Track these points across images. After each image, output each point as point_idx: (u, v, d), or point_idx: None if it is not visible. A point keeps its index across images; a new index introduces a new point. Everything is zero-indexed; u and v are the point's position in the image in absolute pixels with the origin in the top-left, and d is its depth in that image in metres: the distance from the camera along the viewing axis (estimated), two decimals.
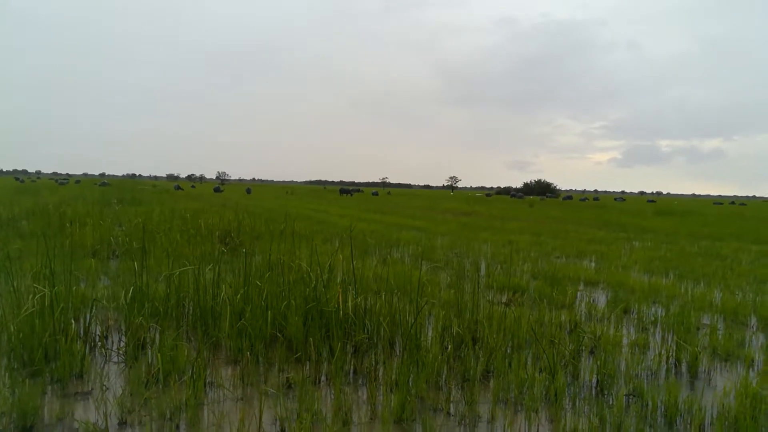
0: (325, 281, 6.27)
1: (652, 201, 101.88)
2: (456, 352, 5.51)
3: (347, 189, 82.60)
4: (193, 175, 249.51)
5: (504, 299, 8.02)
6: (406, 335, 5.50)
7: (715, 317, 7.62)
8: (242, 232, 13.55)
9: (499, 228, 21.91)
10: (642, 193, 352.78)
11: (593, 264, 12.48)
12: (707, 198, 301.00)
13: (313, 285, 6.07)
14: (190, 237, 11.99)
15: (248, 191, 72.38)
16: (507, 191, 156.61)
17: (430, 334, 6.01)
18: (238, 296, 5.99)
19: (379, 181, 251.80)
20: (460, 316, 6.15)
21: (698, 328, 6.99)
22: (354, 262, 6.80)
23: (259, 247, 11.52)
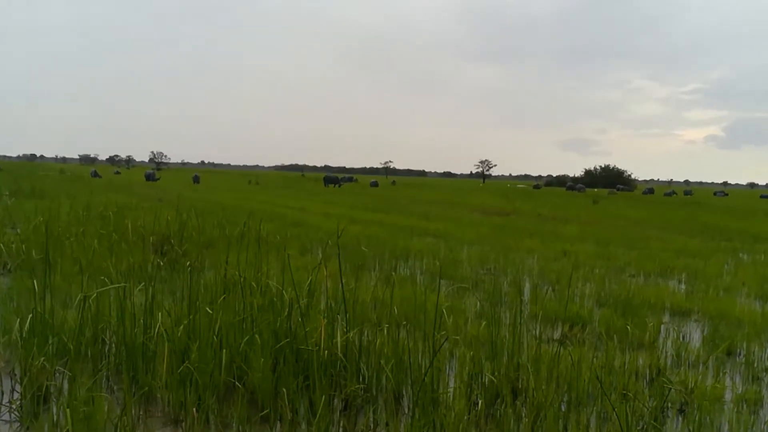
0: (304, 308, 6.27)
1: (766, 197, 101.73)
2: (489, 410, 5.49)
3: (335, 177, 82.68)
4: (117, 156, 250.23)
5: (557, 335, 8.00)
6: (417, 385, 5.49)
7: None
8: (186, 238, 13.54)
9: (550, 233, 21.89)
10: (753, 185, 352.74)
11: (683, 286, 12.47)
12: None
13: (286, 313, 6.07)
14: (112, 244, 11.99)
15: (195, 179, 72.52)
16: (562, 181, 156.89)
17: (452, 383, 5.99)
18: (181, 329, 5.98)
19: (380, 166, 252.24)
20: (495, 359, 6.14)
21: None
22: (344, 282, 6.79)
23: (210, 260, 11.53)
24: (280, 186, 71.91)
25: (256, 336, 5.82)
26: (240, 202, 33.49)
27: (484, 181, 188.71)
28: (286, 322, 5.98)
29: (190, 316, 6.07)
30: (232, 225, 16.23)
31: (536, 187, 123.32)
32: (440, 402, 5.36)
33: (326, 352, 5.75)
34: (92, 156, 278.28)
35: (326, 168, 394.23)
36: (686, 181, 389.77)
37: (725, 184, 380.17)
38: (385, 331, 6.38)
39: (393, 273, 11.35)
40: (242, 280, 6.75)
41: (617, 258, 15.73)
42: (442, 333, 6.45)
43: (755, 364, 7.36)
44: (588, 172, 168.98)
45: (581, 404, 5.74)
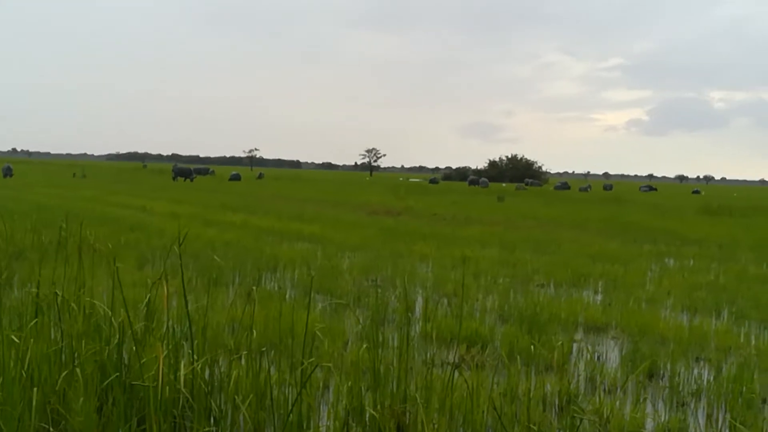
0: (139, 334, 6.12)
1: (698, 192, 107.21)
2: None
3: (186, 169, 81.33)
4: None
5: (452, 358, 8.11)
6: (282, 425, 5.47)
7: None
8: None
9: (447, 236, 22.29)
10: (682, 178, 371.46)
11: (600, 296, 12.98)
12: None
13: (116, 342, 5.91)
14: None
15: (6, 172, 69.63)
16: (462, 174, 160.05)
17: (324, 421, 6.01)
18: None
19: (244, 155, 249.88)
20: (379, 390, 6.18)
21: (765, 401, 7.42)
22: (193, 300, 6.69)
23: (20, 274, 11.10)
24: (114, 180, 70.09)
25: (77, 370, 5.65)
26: (62, 200, 32.41)
27: (371, 174, 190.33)
28: (117, 353, 5.82)
29: None
30: (50, 230, 15.70)
31: (433, 181, 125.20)
32: None
33: (167, 388, 5.64)
34: None
35: (174, 157, 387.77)
36: (606, 174, 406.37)
37: (650, 177, 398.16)
38: (243, 360, 6.32)
39: (255, 287, 11.25)
40: (59, 299, 6.53)
41: (524, 265, 16.17)
42: (315, 360, 6.45)
43: (680, 388, 7.71)
44: (493, 164, 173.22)
45: None
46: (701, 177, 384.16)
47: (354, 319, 9.78)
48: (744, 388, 7.41)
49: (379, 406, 5.94)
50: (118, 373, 5.65)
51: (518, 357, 8.03)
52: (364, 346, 7.41)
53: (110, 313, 6.30)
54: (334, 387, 6.74)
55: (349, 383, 6.38)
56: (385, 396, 6.08)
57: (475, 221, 29.81)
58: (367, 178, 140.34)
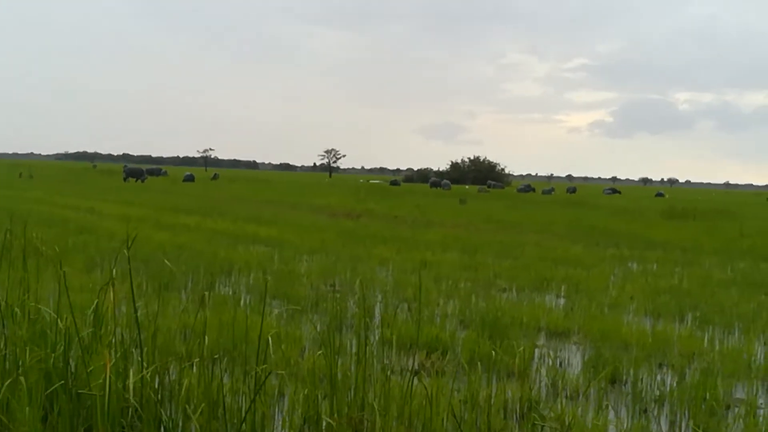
0: (86, 341, 6.05)
1: (662, 194, 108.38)
2: None
3: (137, 170, 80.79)
4: None
5: (412, 364, 8.11)
6: None
7: (755, 387, 8.20)
8: None
9: (408, 240, 22.33)
10: (646, 180, 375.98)
11: (562, 301, 13.10)
12: (750, 190, 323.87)
13: (62, 348, 5.84)
14: None
15: None
16: (424, 176, 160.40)
17: (279, 430, 5.99)
18: None
19: (198, 155, 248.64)
20: (336, 397, 6.17)
21: (728, 407, 7.52)
22: (144, 305, 6.62)
23: None
24: (62, 180, 69.36)
25: (21, 378, 5.55)
26: (7, 201, 31.93)
27: (330, 176, 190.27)
28: (62, 360, 5.75)
29: None
30: None
31: (394, 183, 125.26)
32: None
33: (115, 397, 5.58)
34: None
35: (125, 157, 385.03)
36: (569, 176, 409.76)
37: (614, 179, 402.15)
38: (195, 367, 6.28)
39: (208, 292, 11.19)
40: (2, 305, 6.44)
41: (486, 269, 16.27)
42: (270, 367, 6.42)
43: (643, 394, 7.79)
44: (455, 166, 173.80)
45: None
46: (665, 180, 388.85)
47: (311, 325, 9.76)
48: (707, 394, 7.50)
49: (336, 414, 5.92)
50: (63, 382, 5.59)
51: (479, 363, 8.02)
52: (322, 352, 7.41)
53: (56, 318, 6.23)
54: (290, 395, 6.72)
55: (306, 391, 6.37)
56: (342, 404, 6.06)
57: (437, 224, 29.92)
58: (327, 180, 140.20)
